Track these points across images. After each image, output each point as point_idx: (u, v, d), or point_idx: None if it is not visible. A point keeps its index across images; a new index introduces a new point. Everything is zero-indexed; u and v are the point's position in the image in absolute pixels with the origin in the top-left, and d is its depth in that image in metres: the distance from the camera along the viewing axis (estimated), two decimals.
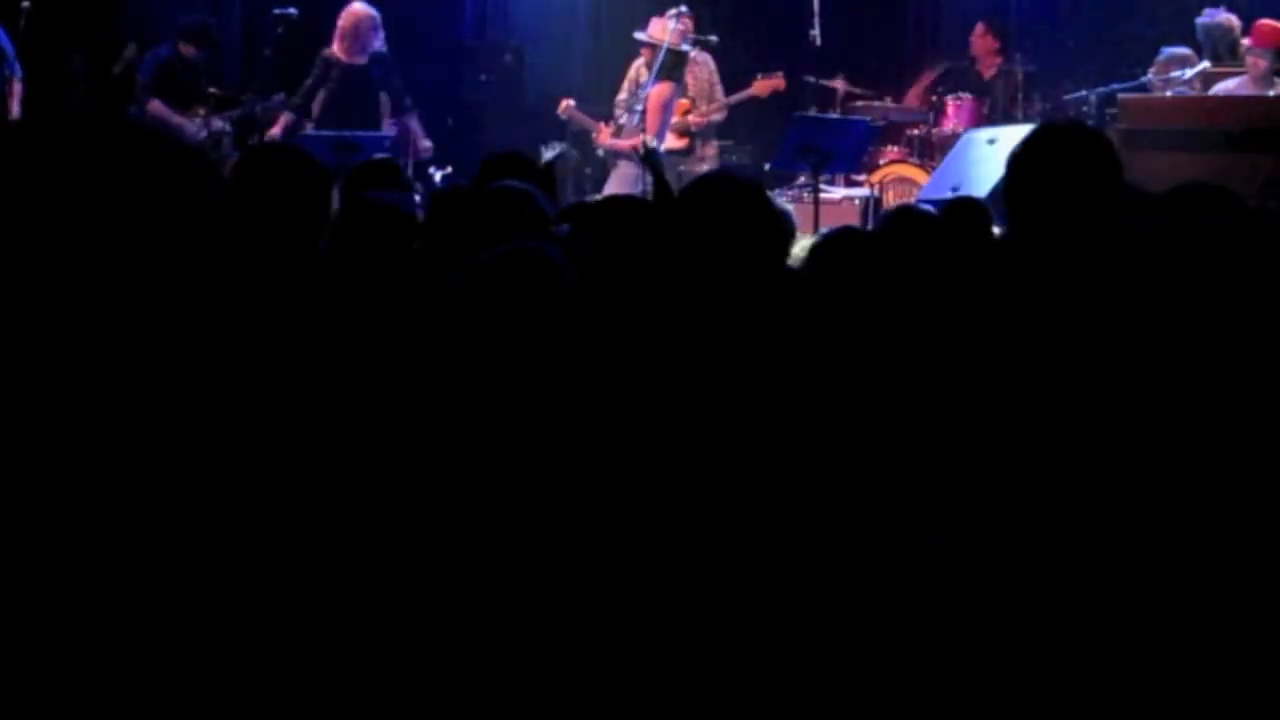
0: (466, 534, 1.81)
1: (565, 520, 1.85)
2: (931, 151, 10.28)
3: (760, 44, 10.05)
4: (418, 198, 7.55)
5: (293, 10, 10.41)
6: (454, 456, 1.96)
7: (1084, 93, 9.63)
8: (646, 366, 2.30)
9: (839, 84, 10.58)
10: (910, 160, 10.31)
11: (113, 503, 1.19)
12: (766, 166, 9.26)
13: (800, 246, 4.17)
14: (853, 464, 1.76)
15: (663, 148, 9.60)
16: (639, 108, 9.89)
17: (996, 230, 4.43)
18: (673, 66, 9.72)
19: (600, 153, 10.32)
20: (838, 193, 9.67)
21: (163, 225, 1.20)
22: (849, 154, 9.04)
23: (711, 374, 2.25)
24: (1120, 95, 8.18)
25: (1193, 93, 8.51)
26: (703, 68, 10.22)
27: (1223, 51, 8.92)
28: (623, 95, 10.42)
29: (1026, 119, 9.46)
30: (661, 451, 2.11)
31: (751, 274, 2.62)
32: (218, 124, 10.54)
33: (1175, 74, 8.69)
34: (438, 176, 10.78)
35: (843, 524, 1.68)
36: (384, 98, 10.21)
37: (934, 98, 10.69)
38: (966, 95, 10.44)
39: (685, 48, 9.83)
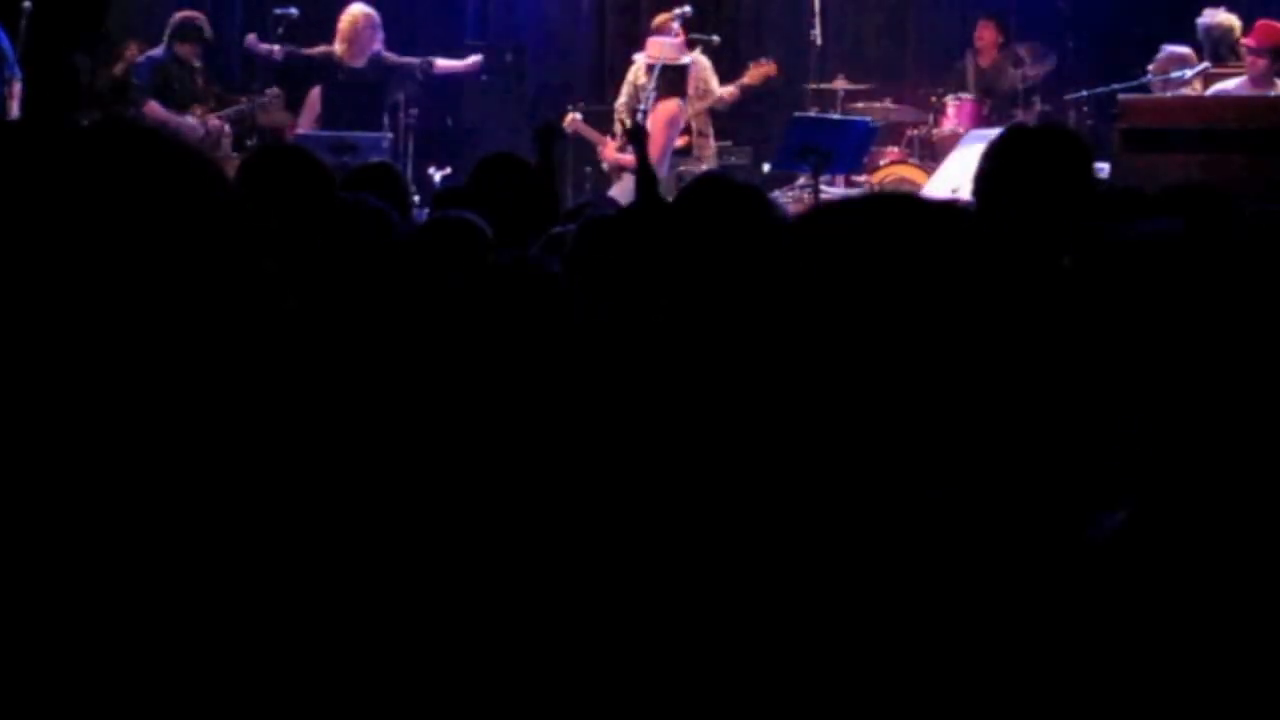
0: (467, 533, 1.81)
1: (566, 516, 1.84)
2: (932, 152, 10.28)
3: (760, 44, 10.04)
4: (416, 198, 7.55)
5: (293, 10, 10.42)
6: (453, 456, 1.96)
7: (1084, 93, 9.63)
8: (653, 364, 2.31)
9: (839, 84, 10.58)
10: (910, 161, 10.31)
11: (113, 501, 1.19)
12: (766, 167, 9.25)
13: None
14: (853, 452, 1.76)
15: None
16: (639, 117, 9.87)
17: None
18: (674, 82, 9.68)
19: (605, 167, 10.25)
20: (838, 193, 9.65)
21: (166, 225, 1.20)
22: (849, 154, 9.04)
23: (718, 370, 2.26)
24: (1120, 96, 8.18)
25: (1193, 93, 8.51)
26: (698, 67, 10.22)
27: (1223, 51, 8.91)
28: (622, 99, 10.43)
29: (1026, 119, 9.46)
30: (664, 447, 2.11)
31: (750, 273, 2.62)
32: (215, 122, 10.57)
33: (1175, 74, 8.69)
34: (437, 177, 10.79)
35: (845, 513, 1.68)
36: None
37: (934, 99, 10.70)
38: (967, 96, 10.45)
39: (685, 60, 9.79)
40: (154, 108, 10.39)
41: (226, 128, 10.61)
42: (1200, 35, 9.00)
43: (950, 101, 10.48)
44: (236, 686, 1.23)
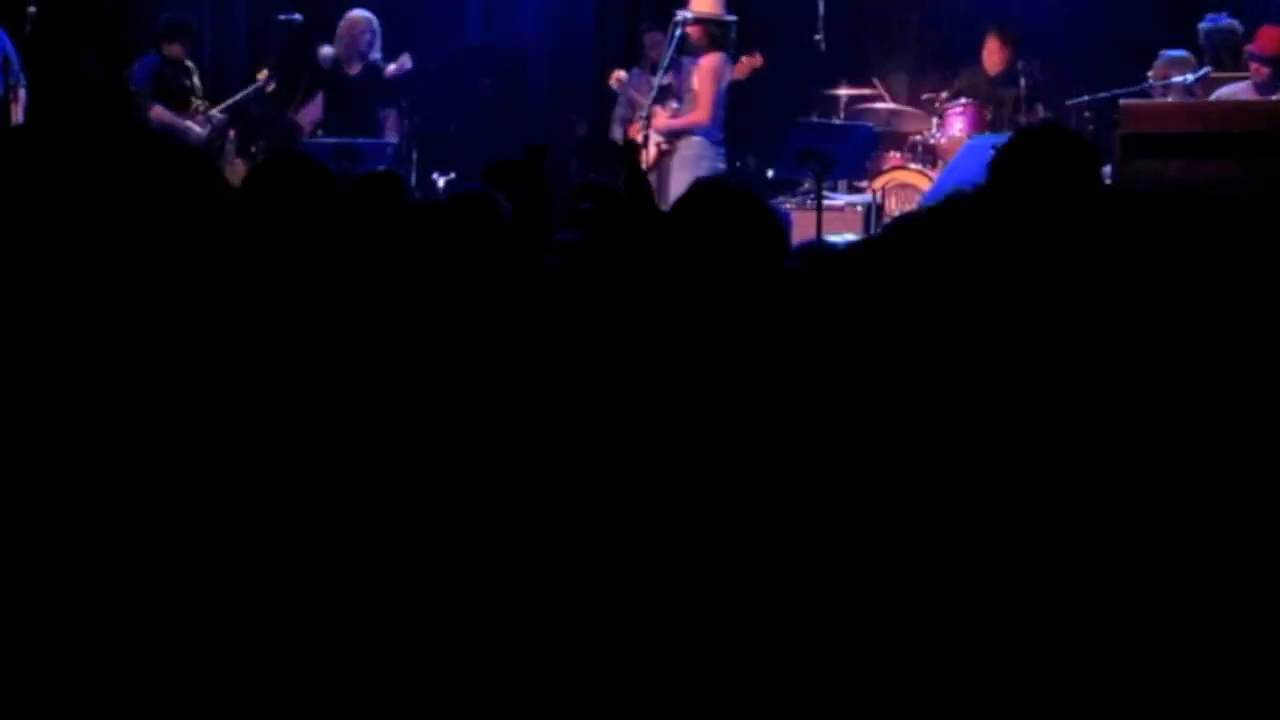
0: (467, 534, 1.81)
1: (565, 515, 1.85)
2: (934, 158, 10.28)
3: (763, 48, 10.03)
4: None
5: (297, 15, 10.44)
6: (452, 454, 1.97)
7: (1086, 98, 9.64)
8: (652, 363, 2.31)
9: (842, 90, 10.59)
10: (912, 166, 10.31)
11: (115, 499, 1.20)
12: (770, 173, 9.25)
13: None
14: (853, 454, 1.77)
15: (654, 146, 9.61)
16: (654, 91, 9.86)
17: None
18: (717, 36, 9.65)
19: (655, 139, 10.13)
20: (840, 199, 9.66)
21: (169, 226, 1.21)
22: (852, 160, 9.04)
23: (718, 370, 2.27)
24: (1122, 101, 8.18)
25: (1194, 98, 8.51)
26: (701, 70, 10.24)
27: (1225, 57, 8.92)
28: (619, 110, 10.52)
29: (1029, 125, 9.46)
30: (663, 446, 2.12)
31: (749, 275, 2.63)
32: (219, 118, 10.63)
33: (1177, 79, 8.69)
34: (441, 183, 10.80)
35: (846, 515, 1.69)
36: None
37: (937, 104, 10.70)
38: (969, 101, 10.45)
39: (729, 17, 9.82)
40: (159, 112, 10.42)
41: (225, 117, 10.63)
42: (1201, 40, 9.00)
43: (953, 107, 10.48)
44: (235, 684, 1.23)
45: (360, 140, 9.59)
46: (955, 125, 10.38)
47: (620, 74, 10.11)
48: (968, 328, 1.67)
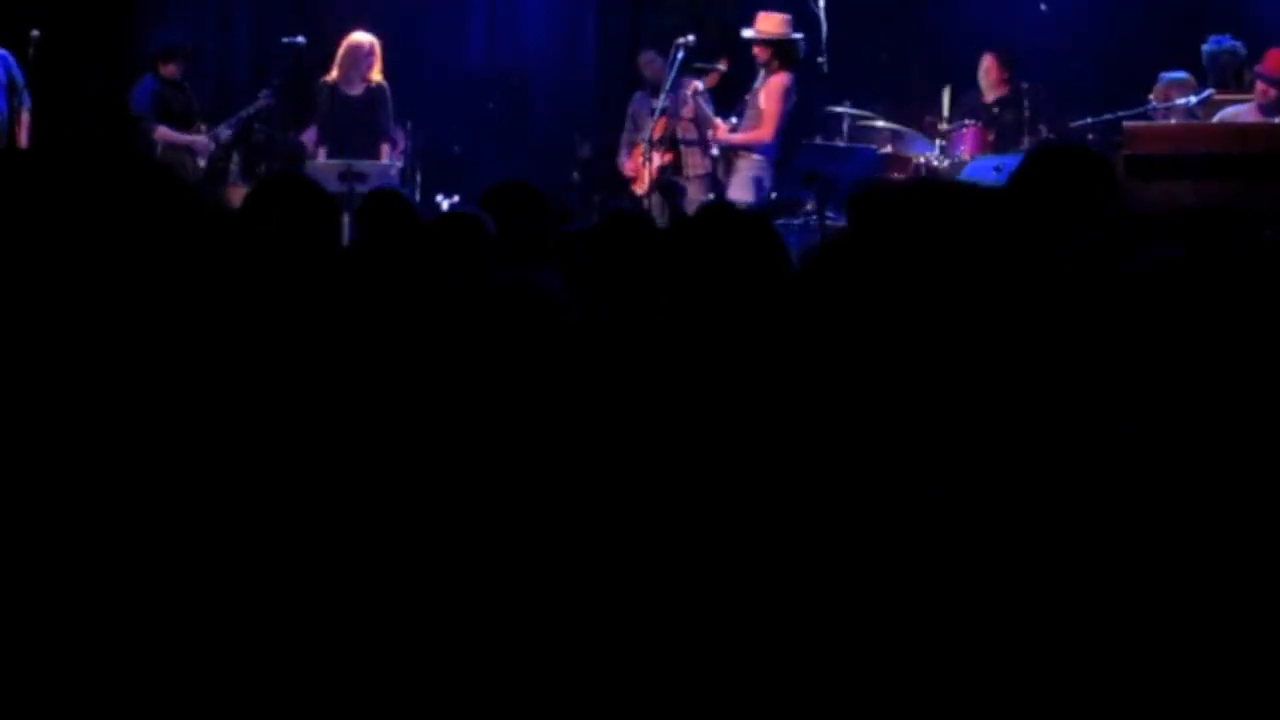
0: (467, 537, 1.80)
1: (565, 517, 1.84)
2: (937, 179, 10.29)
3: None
4: None
5: (300, 39, 10.46)
6: (454, 458, 1.96)
7: (1089, 120, 9.64)
8: (652, 363, 2.31)
9: (845, 110, 10.59)
10: None
11: (115, 503, 1.19)
12: (773, 195, 9.25)
13: None
14: (854, 457, 1.76)
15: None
16: (656, 113, 9.92)
17: None
18: (785, 55, 9.71)
19: (714, 152, 10.19)
20: (844, 220, 9.65)
21: (158, 247, 1.21)
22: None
23: (716, 371, 2.26)
24: (1125, 123, 8.18)
25: (1196, 119, 8.52)
26: (695, 106, 10.28)
27: (1229, 78, 8.92)
28: (626, 135, 10.59)
29: (1032, 146, 9.46)
30: (662, 446, 2.12)
31: (753, 289, 2.63)
32: (224, 134, 10.71)
33: (1180, 101, 8.69)
34: (445, 205, 10.82)
35: (846, 517, 1.68)
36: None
37: (940, 126, 10.70)
38: (972, 123, 10.45)
39: (796, 35, 9.87)
40: (164, 132, 10.46)
41: (229, 133, 10.67)
42: (1205, 61, 9.01)
43: (956, 130, 10.49)
44: (234, 681, 1.23)
45: (364, 162, 9.60)
46: (958, 148, 10.38)
47: (696, 84, 10.13)
48: (967, 328, 1.66)
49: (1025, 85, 10.36)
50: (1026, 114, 10.25)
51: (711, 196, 10.14)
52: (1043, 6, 10.62)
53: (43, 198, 1.21)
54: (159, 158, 10.21)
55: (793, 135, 9.87)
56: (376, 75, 9.95)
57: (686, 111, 10.31)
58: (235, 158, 11.10)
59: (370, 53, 9.93)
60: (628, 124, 10.75)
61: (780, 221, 9.26)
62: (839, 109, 10.41)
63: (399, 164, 10.27)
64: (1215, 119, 8.39)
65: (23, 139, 10.14)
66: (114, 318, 1.19)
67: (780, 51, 9.72)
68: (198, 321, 1.24)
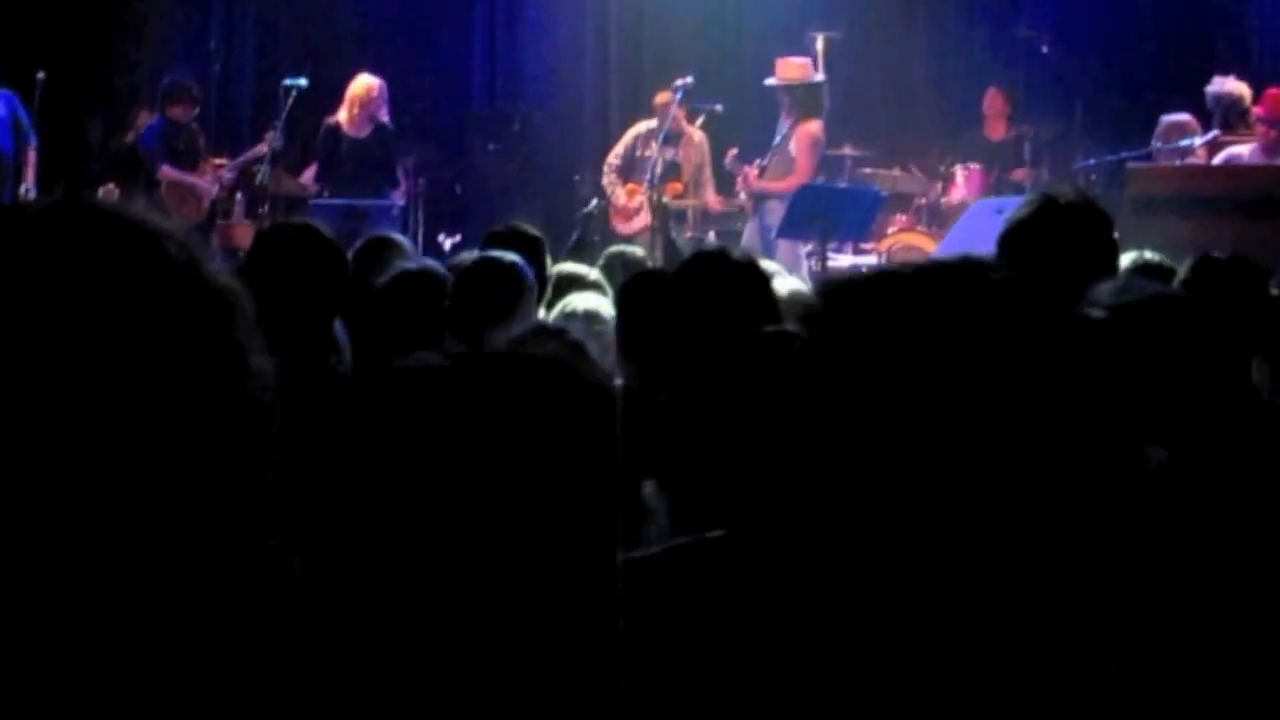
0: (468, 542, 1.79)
1: (565, 519, 1.82)
2: (940, 220, 10.28)
3: (766, 112, 10.06)
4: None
5: (303, 80, 10.50)
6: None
7: (1092, 160, 9.66)
8: (661, 434, 2.30)
9: (846, 151, 10.60)
10: (918, 229, 10.31)
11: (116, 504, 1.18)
12: (774, 235, 9.24)
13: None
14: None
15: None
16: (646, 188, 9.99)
17: None
18: (809, 101, 9.67)
19: (741, 197, 10.02)
20: (845, 261, 9.64)
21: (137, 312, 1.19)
22: (856, 222, 9.04)
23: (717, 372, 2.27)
24: (1130, 164, 8.19)
25: (1200, 160, 8.52)
26: (697, 150, 10.30)
27: (1233, 119, 8.93)
28: (616, 161, 10.55)
29: (1034, 187, 9.47)
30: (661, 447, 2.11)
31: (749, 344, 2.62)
32: (228, 175, 10.87)
33: (1184, 142, 8.70)
34: (447, 244, 10.84)
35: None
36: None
37: (942, 167, 10.71)
38: (975, 164, 10.46)
39: (818, 78, 9.84)
40: (168, 171, 10.54)
41: (238, 192, 10.76)
42: (1210, 103, 9.02)
43: (959, 170, 10.50)
44: (234, 690, 1.21)
45: (366, 201, 9.62)
46: (961, 188, 10.40)
47: (733, 152, 10.06)
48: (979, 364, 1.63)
49: (1028, 125, 10.39)
50: (1029, 154, 10.26)
51: (711, 236, 10.17)
52: (1044, 49, 10.63)
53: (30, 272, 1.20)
54: (162, 195, 10.28)
55: None
56: (383, 116, 9.98)
57: (687, 156, 10.31)
58: (239, 197, 11.16)
59: (380, 95, 9.96)
60: (623, 151, 10.67)
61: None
62: (840, 151, 10.43)
63: (401, 203, 10.29)
64: (1216, 160, 8.40)
65: (29, 179, 10.21)
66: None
67: (804, 97, 9.67)
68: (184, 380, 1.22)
